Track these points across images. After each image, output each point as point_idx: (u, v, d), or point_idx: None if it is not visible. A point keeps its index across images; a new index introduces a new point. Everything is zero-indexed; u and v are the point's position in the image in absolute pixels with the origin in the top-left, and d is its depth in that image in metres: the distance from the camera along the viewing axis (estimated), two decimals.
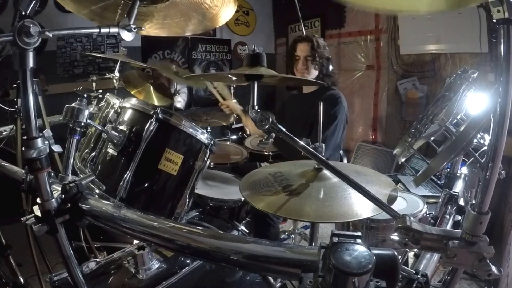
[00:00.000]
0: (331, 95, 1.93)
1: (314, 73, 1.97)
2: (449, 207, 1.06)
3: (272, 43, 4.97)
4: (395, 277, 0.51)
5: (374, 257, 0.48)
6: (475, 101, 1.18)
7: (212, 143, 1.15)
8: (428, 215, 1.36)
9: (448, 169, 1.27)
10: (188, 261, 1.14)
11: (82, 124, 0.95)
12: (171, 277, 1.07)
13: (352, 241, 0.51)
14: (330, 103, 1.86)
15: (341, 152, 2.19)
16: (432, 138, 1.27)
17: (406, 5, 0.60)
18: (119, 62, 2.15)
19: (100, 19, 1.10)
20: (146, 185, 1.07)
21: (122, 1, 1.04)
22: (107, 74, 2.23)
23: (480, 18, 2.63)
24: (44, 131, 0.76)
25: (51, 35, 0.67)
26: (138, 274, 1.07)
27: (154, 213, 1.04)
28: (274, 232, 1.87)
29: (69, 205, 0.77)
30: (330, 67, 2.00)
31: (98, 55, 2.96)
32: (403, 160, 1.38)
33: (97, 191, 1.06)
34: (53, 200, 0.75)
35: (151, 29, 1.19)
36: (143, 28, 1.05)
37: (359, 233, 0.53)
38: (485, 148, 1.01)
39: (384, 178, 1.02)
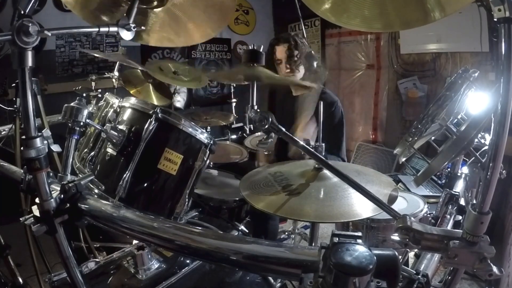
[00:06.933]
0: (328, 100, 1.82)
1: (299, 74, 1.86)
2: (450, 207, 1.06)
3: None
4: (396, 277, 0.51)
5: (375, 258, 0.48)
6: (476, 101, 1.18)
7: (211, 142, 1.15)
8: (428, 215, 1.36)
9: (449, 169, 1.27)
10: (187, 261, 1.14)
11: (81, 123, 0.95)
12: (171, 277, 1.06)
13: (352, 241, 0.51)
14: (329, 108, 1.78)
15: None
16: (433, 137, 1.27)
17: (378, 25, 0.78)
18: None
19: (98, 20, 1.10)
20: (145, 185, 1.07)
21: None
22: (106, 73, 2.23)
23: (480, 17, 2.62)
24: (43, 131, 0.76)
25: (50, 34, 0.67)
26: (138, 274, 1.07)
27: (153, 213, 1.04)
28: (273, 224, 1.86)
29: (68, 205, 0.77)
30: (315, 63, 1.89)
31: (97, 54, 2.95)
32: (403, 159, 1.38)
33: (96, 191, 1.06)
34: (52, 200, 0.75)
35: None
36: (143, 28, 1.05)
37: (359, 233, 0.53)
38: (486, 147, 1.01)
39: (384, 178, 1.02)
